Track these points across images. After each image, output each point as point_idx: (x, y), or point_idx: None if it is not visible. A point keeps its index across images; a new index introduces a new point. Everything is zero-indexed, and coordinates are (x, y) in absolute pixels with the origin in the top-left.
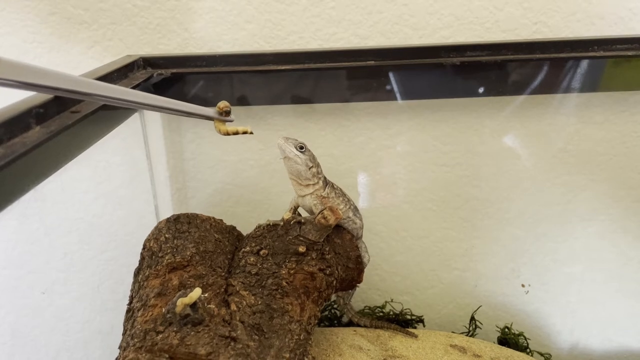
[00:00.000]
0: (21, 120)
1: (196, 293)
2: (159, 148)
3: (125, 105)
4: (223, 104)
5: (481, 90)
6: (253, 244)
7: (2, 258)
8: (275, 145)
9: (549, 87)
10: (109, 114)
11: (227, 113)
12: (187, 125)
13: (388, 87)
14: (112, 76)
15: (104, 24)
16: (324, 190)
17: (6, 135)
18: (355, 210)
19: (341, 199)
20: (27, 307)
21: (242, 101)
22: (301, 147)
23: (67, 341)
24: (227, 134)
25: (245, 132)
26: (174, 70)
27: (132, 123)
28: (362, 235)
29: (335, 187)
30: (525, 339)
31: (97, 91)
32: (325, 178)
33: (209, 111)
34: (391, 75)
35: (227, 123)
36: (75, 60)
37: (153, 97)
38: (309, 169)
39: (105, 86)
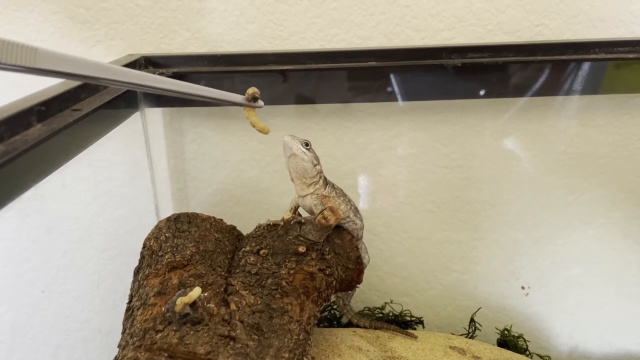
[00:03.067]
0: (22, 118)
1: (196, 292)
2: (160, 148)
3: (152, 92)
4: (252, 90)
5: (482, 92)
6: (253, 244)
7: (2, 256)
8: (276, 145)
9: (551, 89)
10: (110, 113)
11: (255, 99)
12: (188, 125)
13: (389, 88)
14: None
15: (106, 23)
16: (325, 189)
17: (7, 133)
18: (356, 211)
19: (342, 199)
20: (27, 305)
21: None
22: (307, 145)
23: (67, 340)
24: (251, 124)
25: (261, 131)
26: (176, 70)
27: (133, 122)
28: (362, 236)
29: (335, 187)
30: (525, 341)
31: (128, 79)
32: (325, 178)
33: (238, 97)
34: (392, 76)
35: (256, 110)
36: None
37: (182, 83)
38: (314, 166)
39: (138, 74)
